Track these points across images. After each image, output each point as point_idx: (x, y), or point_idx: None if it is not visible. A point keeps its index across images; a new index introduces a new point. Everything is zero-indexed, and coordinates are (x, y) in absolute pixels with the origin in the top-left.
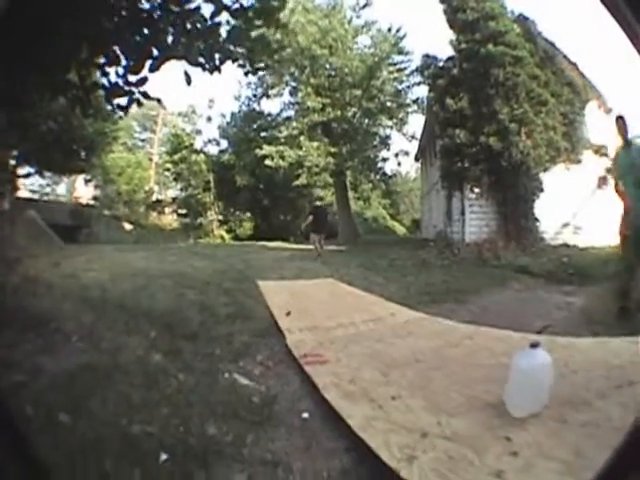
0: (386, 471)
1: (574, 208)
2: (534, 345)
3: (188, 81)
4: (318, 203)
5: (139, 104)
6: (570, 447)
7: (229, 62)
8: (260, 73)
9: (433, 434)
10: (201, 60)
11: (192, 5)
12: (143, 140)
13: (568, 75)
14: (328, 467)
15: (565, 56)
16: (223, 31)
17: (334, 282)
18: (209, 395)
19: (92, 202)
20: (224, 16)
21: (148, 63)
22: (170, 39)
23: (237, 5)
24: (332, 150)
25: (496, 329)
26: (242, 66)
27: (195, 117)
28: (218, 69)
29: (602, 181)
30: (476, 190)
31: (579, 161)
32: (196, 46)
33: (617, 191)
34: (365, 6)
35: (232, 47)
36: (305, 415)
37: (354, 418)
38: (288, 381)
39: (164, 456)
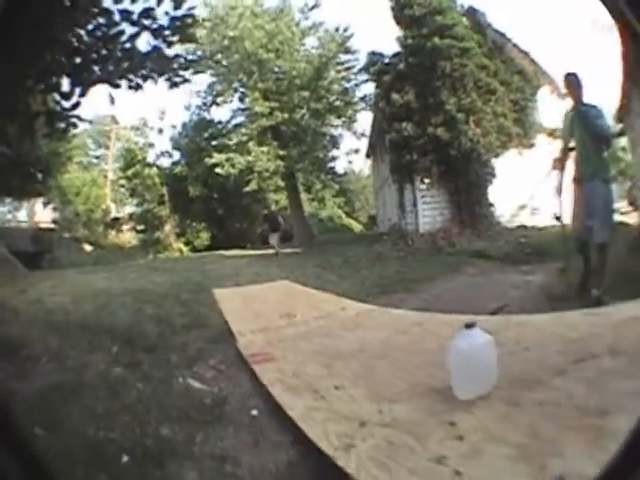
0: (332, 462)
1: (530, 190)
2: (469, 325)
3: (112, 101)
4: (270, 210)
5: (74, 126)
6: (524, 429)
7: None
8: (209, 81)
9: (373, 422)
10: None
11: (116, 29)
12: (98, 157)
13: (518, 63)
14: (275, 460)
15: (516, 45)
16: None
17: (288, 284)
18: (164, 400)
19: (52, 225)
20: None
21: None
22: (97, 66)
23: (156, 25)
24: (281, 153)
25: (445, 314)
26: (168, 80)
27: (147, 130)
28: (141, 87)
29: (557, 163)
30: (427, 181)
31: (532, 145)
32: (119, 68)
33: (562, 158)
34: (313, 7)
35: (152, 65)
36: (254, 412)
37: (295, 410)
38: (239, 382)
39: (125, 458)
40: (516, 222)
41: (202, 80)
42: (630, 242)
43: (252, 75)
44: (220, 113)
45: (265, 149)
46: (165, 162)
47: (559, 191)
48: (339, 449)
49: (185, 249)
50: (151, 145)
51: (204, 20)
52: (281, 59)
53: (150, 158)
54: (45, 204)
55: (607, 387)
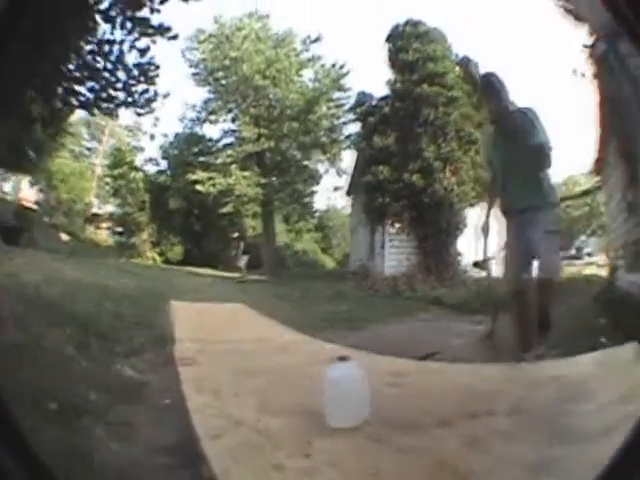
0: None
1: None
2: (342, 358)
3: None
4: (244, 234)
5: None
6: (367, 466)
7: None
8: (205, 97)
9: (247, 425)
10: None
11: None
12: (89, 149)
13: None
14: (170, 438)
15: None
16: None
17: (242, 307)
18: (100, 377)
19: (34, 206)
20: None
21: None
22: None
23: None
24: (262, 181)
25: (370, 354)
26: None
27: (140, 133)
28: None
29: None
30: (397, 225)
31: None
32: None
33: (490, 189)
34: (316, 40)
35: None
36: (167, 401)
37: (195, 404)
38: (164, 376)
39: (53, 405)
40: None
41: (200, 95)
42: (597, 294)
43: (246, 99)
44: (212, 130)
45: (247, 174)
46: (151, 169)
47: (485, 230)
48: (209, 437)
49: (158, 259)
50: (141, 149)
51: (211, 36)
52: (276, 87)
53: (138, 162)
54: (32, 184)
55: (483, 448)
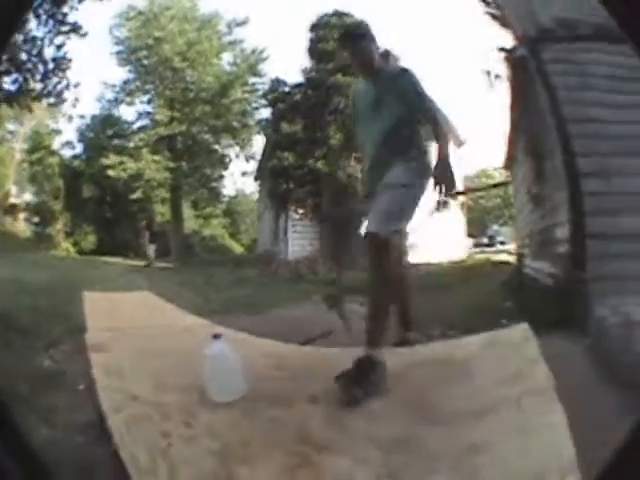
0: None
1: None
2: (216, 336)
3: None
4: (152, 221)
5: None
6: (237, 436)
7: None
8: (124, 77)
9: (142, 399)
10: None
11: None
12: (11, 132)
13: None
14: (85, 418)
15: None
16: None
17: (148, 295)
18: (21, 369)
19: None
20: None
21: None
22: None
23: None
24: (171, 165)
25: (257, 338)
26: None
27: (59, 115)
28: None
29: (442, 204)
30: (300, 211)
31: None
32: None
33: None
34: (241, 24)
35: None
36: (81, 387)
37: (102, 385)
38: (79, 364)
39: None
40: None
41: (121, 75)
42: (505, 280)
43: (164, 80)
44: (128, 112)
45: (157, 158)
46: (68, 153)
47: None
48: (111, 411)
49: (72, 249)
50: (59, 132)
51: (140, 13)
52: (194, 70)
53: (56, 145)
54: None
55: (343, 424)
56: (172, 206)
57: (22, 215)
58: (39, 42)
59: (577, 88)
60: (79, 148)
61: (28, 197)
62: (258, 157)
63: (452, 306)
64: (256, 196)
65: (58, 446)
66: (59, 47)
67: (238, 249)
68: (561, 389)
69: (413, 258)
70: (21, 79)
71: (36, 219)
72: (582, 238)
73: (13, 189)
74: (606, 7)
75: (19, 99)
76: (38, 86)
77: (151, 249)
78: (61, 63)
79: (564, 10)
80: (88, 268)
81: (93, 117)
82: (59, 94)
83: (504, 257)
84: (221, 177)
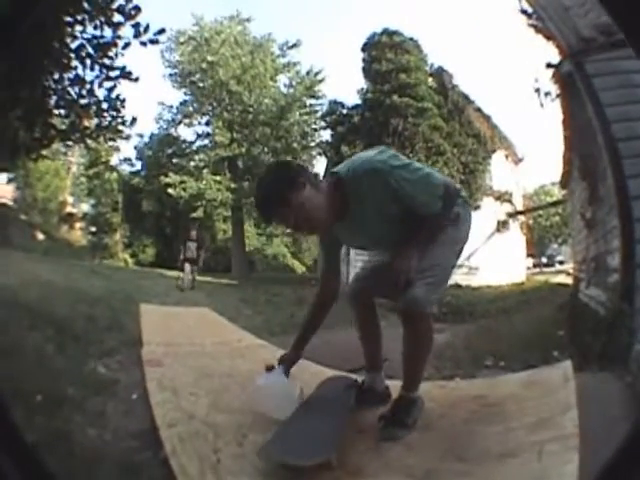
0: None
1: (470, 250)
2: (269, 368)
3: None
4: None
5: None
6: None
7: None
8: (182, 99)
9: (198, 419)
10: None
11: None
12: (68, 146)
13: (476, 127)
14: (136, 426)
15: (479, 108)
16: None
17: (207, 311)
18: (76, 374)
19: (11, 203)
20: None
21: None
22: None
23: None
24: (232, 186)
25: (315, 364)
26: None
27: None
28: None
29: (502, 225)
30: None
31: (477, 207)
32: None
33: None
34: (293, 46)
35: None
36: (134, 396)
37: (156, 400)
38: (133, 375)
39: (39, 397)
40: (452, 280)
41: (177, 96)
42: (561, 304)
43: (221, 103)
44: (186, 133)
45: (218, 178)
46: (126, 169)
47: None
48: (165, 425)
49: (130, 260)
50: (117, 149)
51: (190, 38)
52: (250, 93)
53: (113, 161)
54: (9, 180)
55: (379, 453)
56: (234, 224)
57: (78, 224)
58: (88, 85)
59: (623, 102)
60: (137, 165)
61: (85, 207)
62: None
63: (507, 334)
64: None
65: (105, 448)
66: (110, 90)
67: (300, 268)
68: (591, 429)
69: (475, 281)
70: (74, 117)
71: (93, 229)
72: (632, 269)
73: (70, 199)
74: (606, 7)
75: (72, 137)
76: (93, 122)
77: (188, 268)
78: (114, 104)
79: (602, 13)
80: (146, 280)
81: (151, 136)
82: (116, 131)
83: (562, 278)
84: None
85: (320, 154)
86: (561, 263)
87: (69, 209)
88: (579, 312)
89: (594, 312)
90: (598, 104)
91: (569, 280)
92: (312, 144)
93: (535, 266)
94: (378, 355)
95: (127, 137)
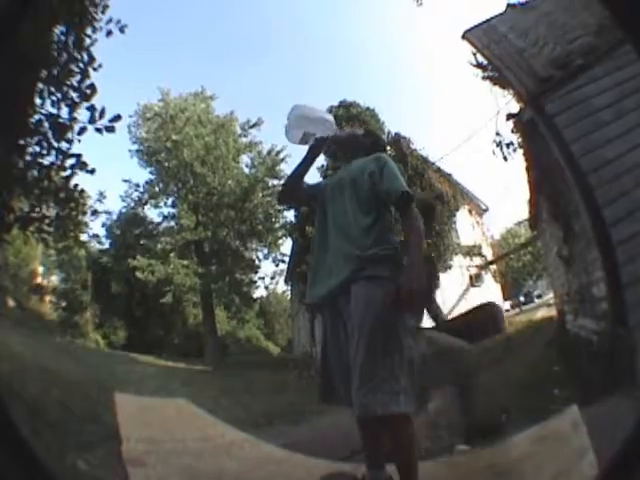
0: None
1: (446, 307)
2: None
3: None
4: None
5: None
6: None
7: None
8: (148, 178)
9: None
10: None
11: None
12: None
13: (438, 188)
14: None
15: (438, 169)
16: None
17: (185, 403)
18: (57, 468)
19: None
20: None
21: None
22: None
23: None
24: (200, 270)
25: (307, 457)
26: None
27: (86, 207)
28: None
29: (475, 278)
30: None
31: (449, 267)
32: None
33: None
34: (254, 125)
35: None
36: None
37: None
38: (115, 473)
39: None
40: None
41: (143, 175)
42: (549, 340)
43: (186, 185)
44: (153, 213)
45: (185, 262)
46: (95, 246)
47: None
48: None
49: (102, 342)
50: (86, 224)
51: (156, 115)
52: (215, 174)
53: (83, 237)
54: None
55: None
56: (203, 309)
57: (48, 298)
58: (44, 170)
59: (586, 132)
60: (106, 243)
61: (55, 278)
62: (287, 259)
63: (502, 385)
64: (288, 295)
65: None
66: (67, 178)
67: (274, 349)
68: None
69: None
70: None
71: (63, 303)
72: (620, 292)
73: (40, 269)
74: (606, 7)
75: (31, 226)
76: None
77: None
78: (71, 194)
79: (556, 43)
80: (119, 365)
81: (120, 214)
82: (77, 224)
83: (544, 312)
84: (252, 282)
85: (285, 235)
86: (539, 297)
87: (39, 279)
88: (570, 344)
89: (587, 341)
90: (563, 143)
91: (552, 312)
92: (277, 225)
93: (514, 307)
94: (379, 449)
95: (94, 212)
